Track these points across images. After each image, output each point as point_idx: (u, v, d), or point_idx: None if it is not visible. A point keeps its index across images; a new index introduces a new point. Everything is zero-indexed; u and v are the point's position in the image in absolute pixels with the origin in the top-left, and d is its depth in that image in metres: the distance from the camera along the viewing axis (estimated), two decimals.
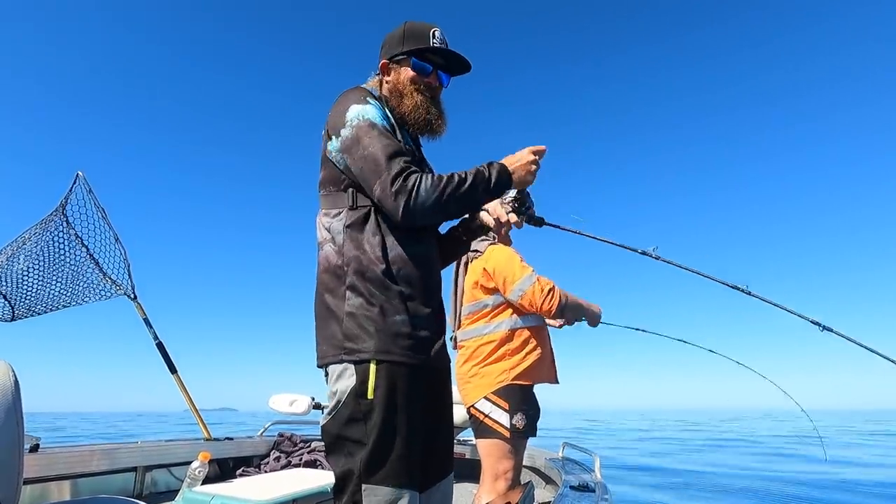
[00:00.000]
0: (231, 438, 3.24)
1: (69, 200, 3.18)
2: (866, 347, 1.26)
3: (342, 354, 1.09)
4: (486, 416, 1.97)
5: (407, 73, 1.27)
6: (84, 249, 3.23)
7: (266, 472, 3.05)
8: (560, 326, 2.24)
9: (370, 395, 1.06)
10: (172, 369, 3.30)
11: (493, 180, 1.15)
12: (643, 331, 2.73)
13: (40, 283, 3.07)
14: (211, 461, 2.51)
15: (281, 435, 3.50)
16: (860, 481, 8.42)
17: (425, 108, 1.26)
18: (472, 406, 2.03)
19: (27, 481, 2.21)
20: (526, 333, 2.04)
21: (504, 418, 1.93)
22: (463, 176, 1.12)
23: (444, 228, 1.44)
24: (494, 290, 2.07)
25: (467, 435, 3.76)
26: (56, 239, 3.13)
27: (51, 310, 3.17)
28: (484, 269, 2.07)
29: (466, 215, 1.41)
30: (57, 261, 3.12)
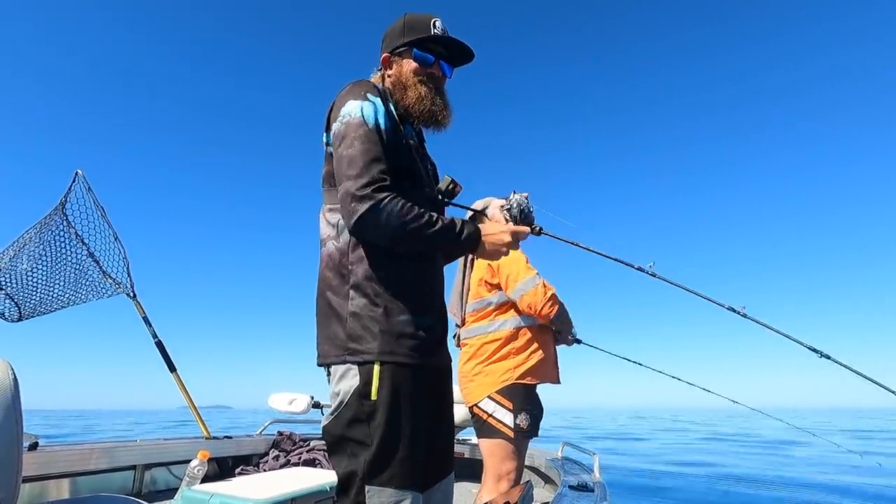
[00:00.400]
0: (230, 437, 3.23)
1: (69, 199, 3.17)
2: (864, 376, 1.29)
3: (345, 355, 1.08)
4: (490, 415, 1.96)
5: (409, 64, 1.25)
6: (84, 248, 3.23)
7: (265, 470, 3.04)
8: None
9: (374, 397, 1.04)
10: (172, 368, 3.29)
11: (459, 239, 1.12)
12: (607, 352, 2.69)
13: (44, 282, 3.06)
14: (210, 460, 2.51)
15: (280, 433, 3.50)
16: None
17: (430, 99, 1.23)
18: (476, 405, 2.01)
19: (26, 479, 2.21)
20: (530, 333, 2.04)
21: (508, 418, 1.92)
22: (434, 219, 1.08)
23: None
24: (498, 288, 2.07)
25: (467, 434, 3.75)
26: (57, 238, 3.13)
27: (55, 309, 3.17)
28: (489, 265, 2.07)
29: (472, 213, 1.40)
30: (59, 260, 3.12)
